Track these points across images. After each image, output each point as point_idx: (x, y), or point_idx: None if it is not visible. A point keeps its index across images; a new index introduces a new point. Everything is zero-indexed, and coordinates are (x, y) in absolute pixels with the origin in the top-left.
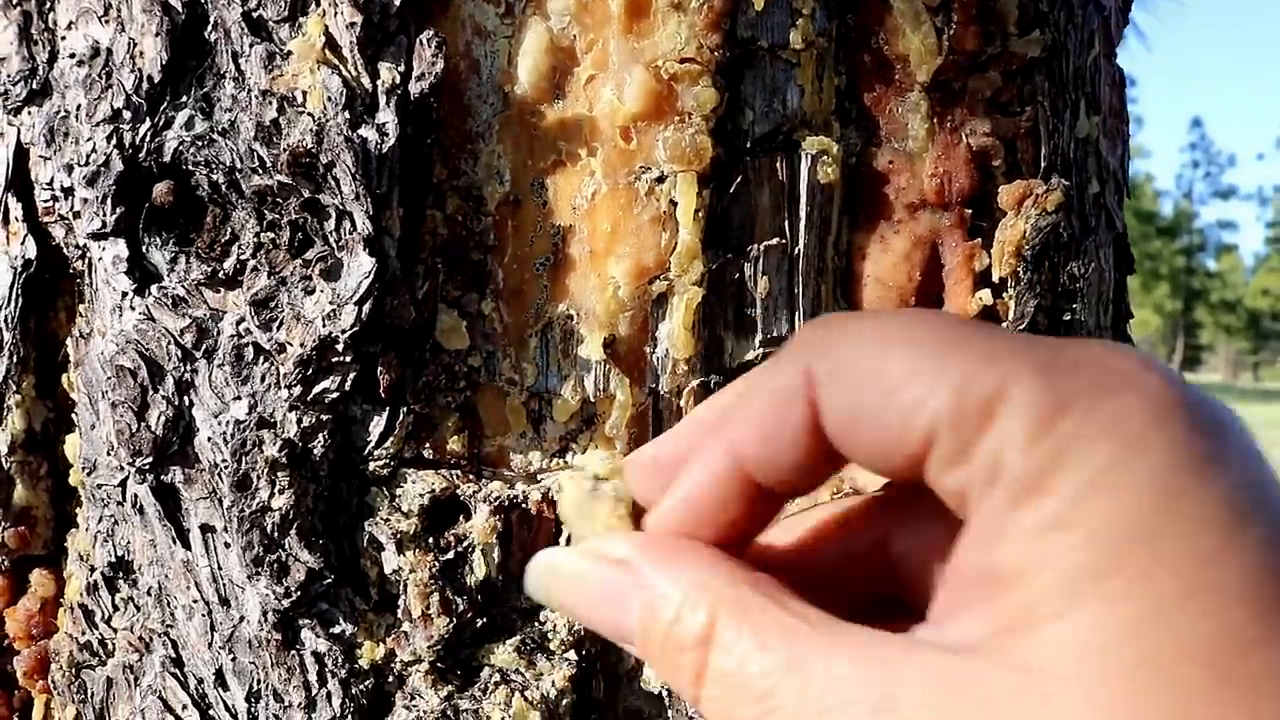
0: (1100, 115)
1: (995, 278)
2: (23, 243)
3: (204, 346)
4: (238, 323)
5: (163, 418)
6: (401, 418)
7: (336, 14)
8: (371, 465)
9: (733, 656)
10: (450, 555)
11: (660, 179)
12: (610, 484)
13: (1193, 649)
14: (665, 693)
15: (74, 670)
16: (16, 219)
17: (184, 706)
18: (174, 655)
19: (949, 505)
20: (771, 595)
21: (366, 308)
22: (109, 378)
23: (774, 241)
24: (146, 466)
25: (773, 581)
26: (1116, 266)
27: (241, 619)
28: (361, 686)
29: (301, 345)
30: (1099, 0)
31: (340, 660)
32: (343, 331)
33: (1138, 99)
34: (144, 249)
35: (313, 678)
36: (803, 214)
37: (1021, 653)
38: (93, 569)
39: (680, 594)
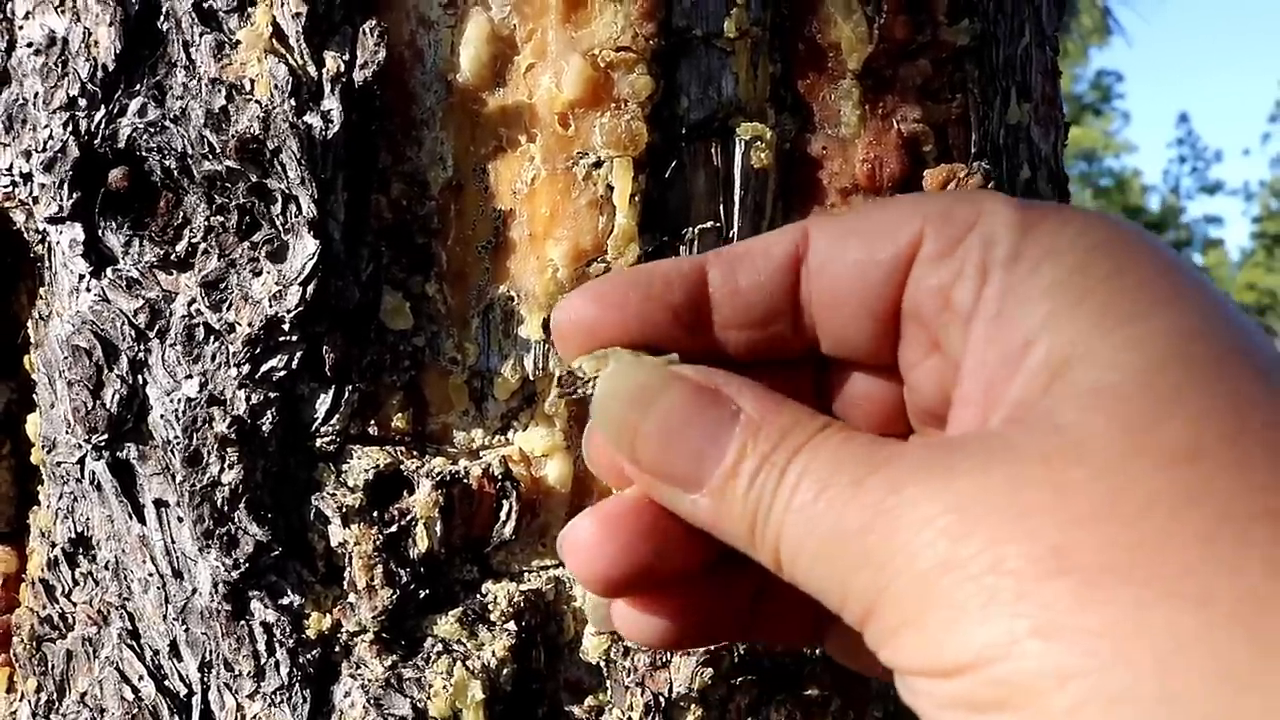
0: (1032, 103)
1: None
2: None
3: (157, 327)
4: (189, 304)
5: (117, 396)
6: (347, 396)
7: (283, 4)
8: (318, 441)
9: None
10: (394, 529)
11: (597, 164)
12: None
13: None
14: (604, 663)
15: (35, 643)
16: None
17: (140, 677)
18: (130, 627)
19: (922, 313)
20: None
21: (311, 289)
22: (66, 357)
23: (709, 225)
24: (102, 444)
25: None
26: None
27: (194, 591)
28: (308, 656)
29: (250, 325)
30: None
31: (288, 630)
32: (288, 311)
33: (1124, 94)
34: (100, 233)
35: (261, 647)
36: (737, 198)
37: (1070, 401)
38: (53, 545)
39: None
